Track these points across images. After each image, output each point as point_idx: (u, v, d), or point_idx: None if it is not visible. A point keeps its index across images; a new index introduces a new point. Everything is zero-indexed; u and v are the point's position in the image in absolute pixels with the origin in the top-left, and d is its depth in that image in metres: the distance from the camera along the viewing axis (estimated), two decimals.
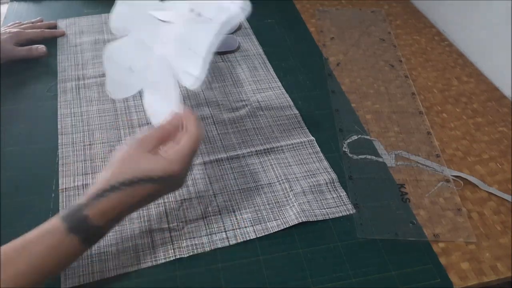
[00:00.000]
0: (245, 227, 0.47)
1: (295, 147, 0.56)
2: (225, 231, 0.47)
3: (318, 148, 0.56)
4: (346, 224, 0.48)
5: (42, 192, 0.50)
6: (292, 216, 0.48)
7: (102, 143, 0.56)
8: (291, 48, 0.73)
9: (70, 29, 0.75)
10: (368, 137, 0.59)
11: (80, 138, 0.56)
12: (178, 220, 0.48)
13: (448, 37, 0.79)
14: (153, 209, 0.48)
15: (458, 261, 0.46)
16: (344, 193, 0.51)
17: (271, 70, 0.68)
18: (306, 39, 0.76)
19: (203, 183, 0.51)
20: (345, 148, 0.57)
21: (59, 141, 0.56)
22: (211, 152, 0.55)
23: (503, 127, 0.62)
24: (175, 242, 0.46)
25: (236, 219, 0.48)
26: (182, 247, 0.45)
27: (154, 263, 0.44)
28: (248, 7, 0.45)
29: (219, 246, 0.46)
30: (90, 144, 0.55)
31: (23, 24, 0.73)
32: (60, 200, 0.49)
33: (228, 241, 0.46)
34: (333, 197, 0.51)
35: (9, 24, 0.73)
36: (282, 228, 0.47)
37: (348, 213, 0.49)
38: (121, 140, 0.56)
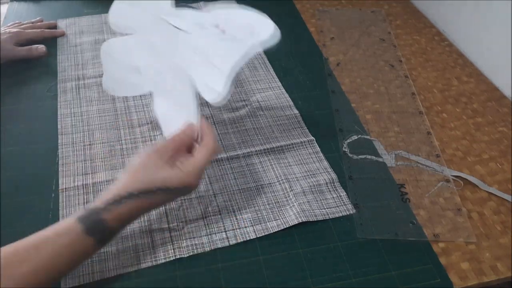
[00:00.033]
0: (245, 227, 0.47)
1: (295, 147, 0.56)
2: (225, 231, 0.47)
3: (318, 148, 0.56)
4: (346, 224, 0.48)
5: (42, 192, 0.50)
6: (292, 216, 0.48)
7: (102, 143, 0.56)
8: (291, 48, 0.73)
9: (70, 29, 0.75)
10: (368, 137, 0.59)
11: (80, 138, 0.56)
12: (178, 220, 0.48)
13: (448, 37, 0.79)
14: None
15: (458, 261, 0.46)
16: (344, 193, 0.51)
17: (271, 70, 0.68)
18: (306, 39, 0.76)
19: (203, 183, 0.51)
20: (345, 148, 0.57)
21: (59, 141, 0.56)
22: None
23: (503, 127, 0.62)
24: (175, 242, 0.46)
25: (236, 219, 0.48)
26: (182, 247, 0.45)
27: (154, 263, 0.44)
28: (278, 35, 0.45)
29: (219, 246, 0.46)
30: (90, 144, 0.55)
31: (23, 24, 0.73)
32: (60, 200, 0.49)
33: (228, 241, 0.46)
34: (333, 197, 0.51)
35: (9, 24, 0.73)
36: (282, 228, 0.47)
37: (348, 213, 0.49)
38: (121, 140, 0.56)
